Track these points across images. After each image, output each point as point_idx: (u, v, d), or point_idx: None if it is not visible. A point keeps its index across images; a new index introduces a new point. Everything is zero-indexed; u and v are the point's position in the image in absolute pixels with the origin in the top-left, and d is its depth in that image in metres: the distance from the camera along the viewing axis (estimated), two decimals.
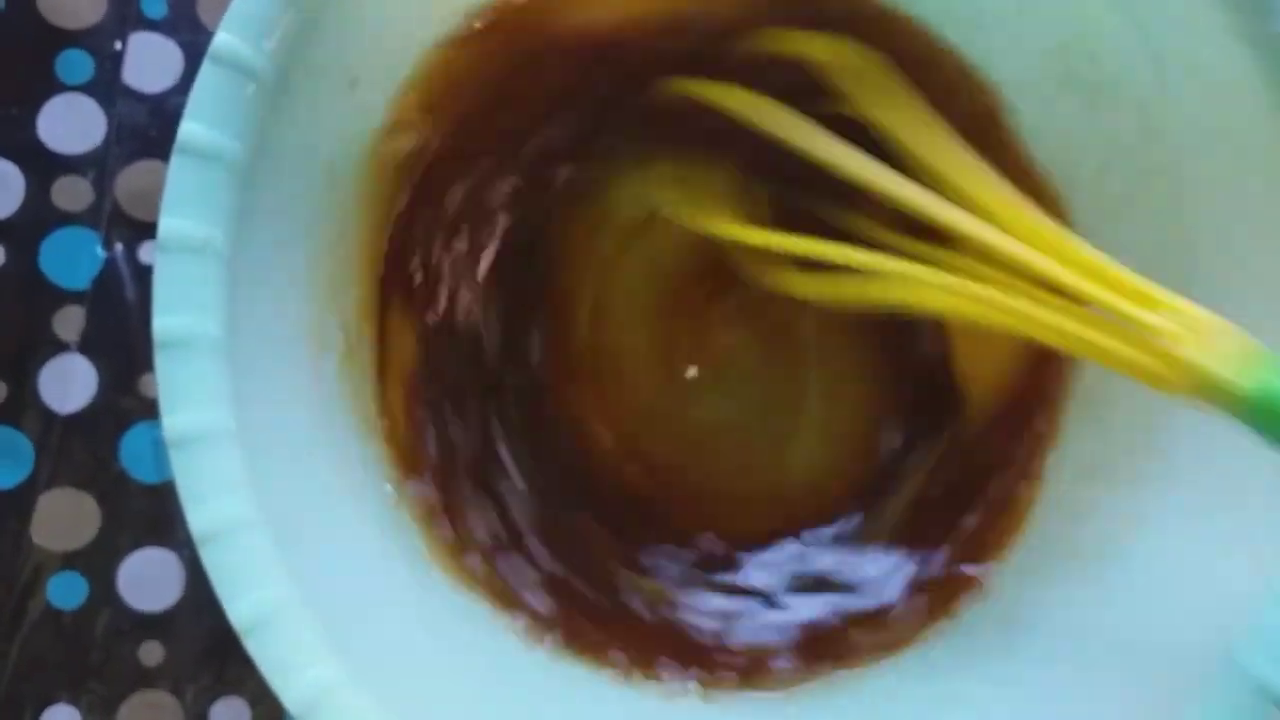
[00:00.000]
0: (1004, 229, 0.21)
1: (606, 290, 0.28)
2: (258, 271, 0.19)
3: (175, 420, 0.17)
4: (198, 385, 0.17)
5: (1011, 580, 0.24)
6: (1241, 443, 0.18)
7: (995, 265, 0.21)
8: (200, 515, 0.17)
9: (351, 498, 0.21)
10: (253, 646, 0.17)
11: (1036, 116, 0.25)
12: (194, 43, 0.28)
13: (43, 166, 0.27)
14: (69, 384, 0.26)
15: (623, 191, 0.28)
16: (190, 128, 0.18)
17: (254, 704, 0.26)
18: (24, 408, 0.26)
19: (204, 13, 0.28)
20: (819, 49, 0.24)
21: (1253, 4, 0.19)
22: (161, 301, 0.17)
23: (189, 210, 0.17)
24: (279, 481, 0.18)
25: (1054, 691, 0.20)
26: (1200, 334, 0.18)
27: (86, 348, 0.27)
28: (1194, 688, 0.18)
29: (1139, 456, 0.23)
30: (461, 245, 0.26)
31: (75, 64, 0.27)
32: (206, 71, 0.18)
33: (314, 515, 0.20)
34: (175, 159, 0.18)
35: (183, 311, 0.17)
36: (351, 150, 0.22)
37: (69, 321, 0.27)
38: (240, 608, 0.17)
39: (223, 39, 0.18)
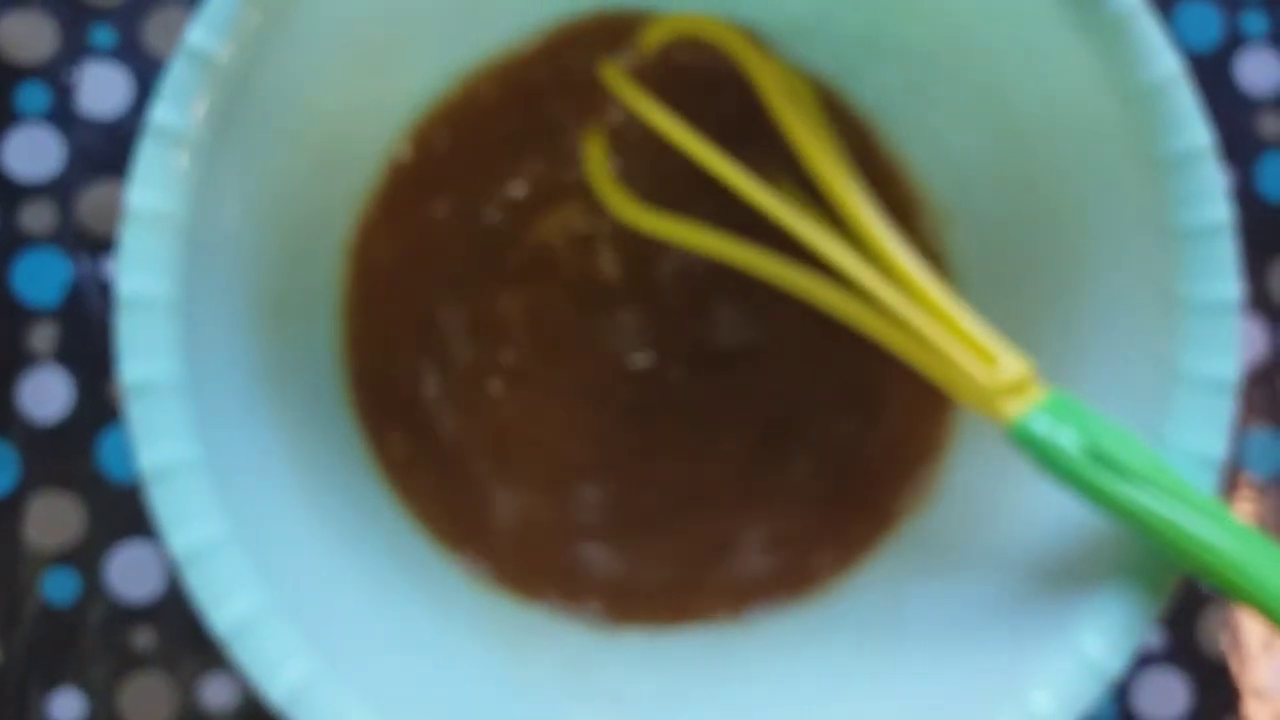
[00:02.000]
0: (869, 249, 0.24)
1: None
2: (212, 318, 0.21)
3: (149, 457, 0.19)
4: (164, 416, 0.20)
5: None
6: None
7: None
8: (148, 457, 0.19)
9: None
10: (191, 579, 0.19)
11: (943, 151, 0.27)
12: (143, 69, 0.29)
13: (8, 193, 0.29)
14: (47, 395, 0.29)
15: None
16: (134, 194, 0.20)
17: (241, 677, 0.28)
18: (7, 420, 0.29)
19: (150, 40, 0.29)
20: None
21: (1119, 54, 0.22)
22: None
23: (142, 270, 0.19)
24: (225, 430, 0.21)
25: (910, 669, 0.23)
26: (996, 364, 0.22)
27: (60, 360, 0.29)
28: (1035, 666, 0.20)
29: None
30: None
31: (30, 96, 0.29)
32: (145, 143, 0.20)
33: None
34: (124, 223, 0.19)
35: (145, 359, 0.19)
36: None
37: (42, 337, 0.29)
38: (179, 540, 0.19)
39: (157, 110, 0.20)
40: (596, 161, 0.27)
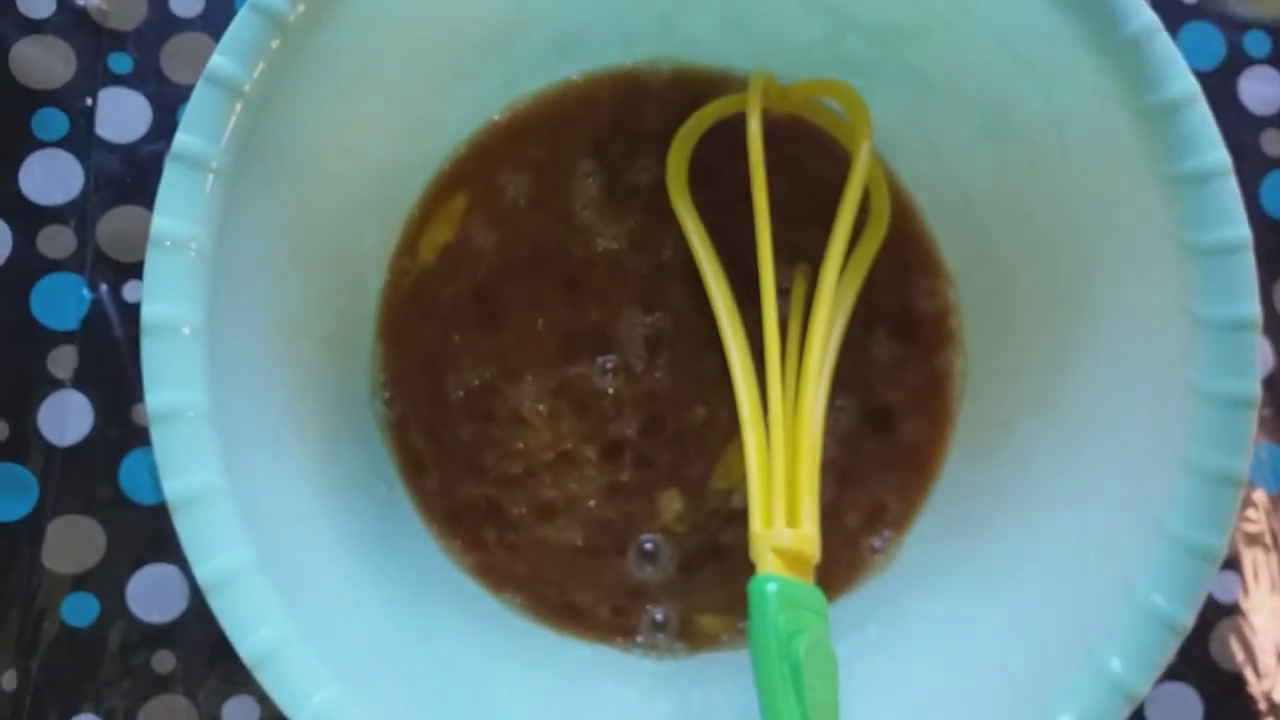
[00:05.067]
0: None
1: None
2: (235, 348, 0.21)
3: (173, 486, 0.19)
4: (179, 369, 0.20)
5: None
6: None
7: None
8: (173, 485, 0.19)
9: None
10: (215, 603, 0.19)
11: (956, 164, 0.27)
12: (160, 94, 0.30)
13: (27, 219, 0.29)
14: (66, 418, 0.29)
15: None
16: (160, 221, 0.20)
17: (262, 701, 0.28)
18: (26, 444, 0.29)
19: (167, 65, 0.30)
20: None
21: (1135, 75, 0.22)
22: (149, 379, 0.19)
23: (166, 294, 0.20)
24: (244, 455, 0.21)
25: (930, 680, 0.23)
26: (797, 528, 0.23)
27: (80, 383, 0.29)
28: (1058, 683, 0.21)
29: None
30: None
31: (51, 122, 0.29)
32: (169, 169, 0.20)
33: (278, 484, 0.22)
34: (150, 251, 0.20)
35: (169, 385, 0.19)
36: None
37: (62, 360, 0.29)
38: (205, 568, 0.19)
39: (181, 138, 0.20)
40: (677, 159, 0.28)
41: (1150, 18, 0.22)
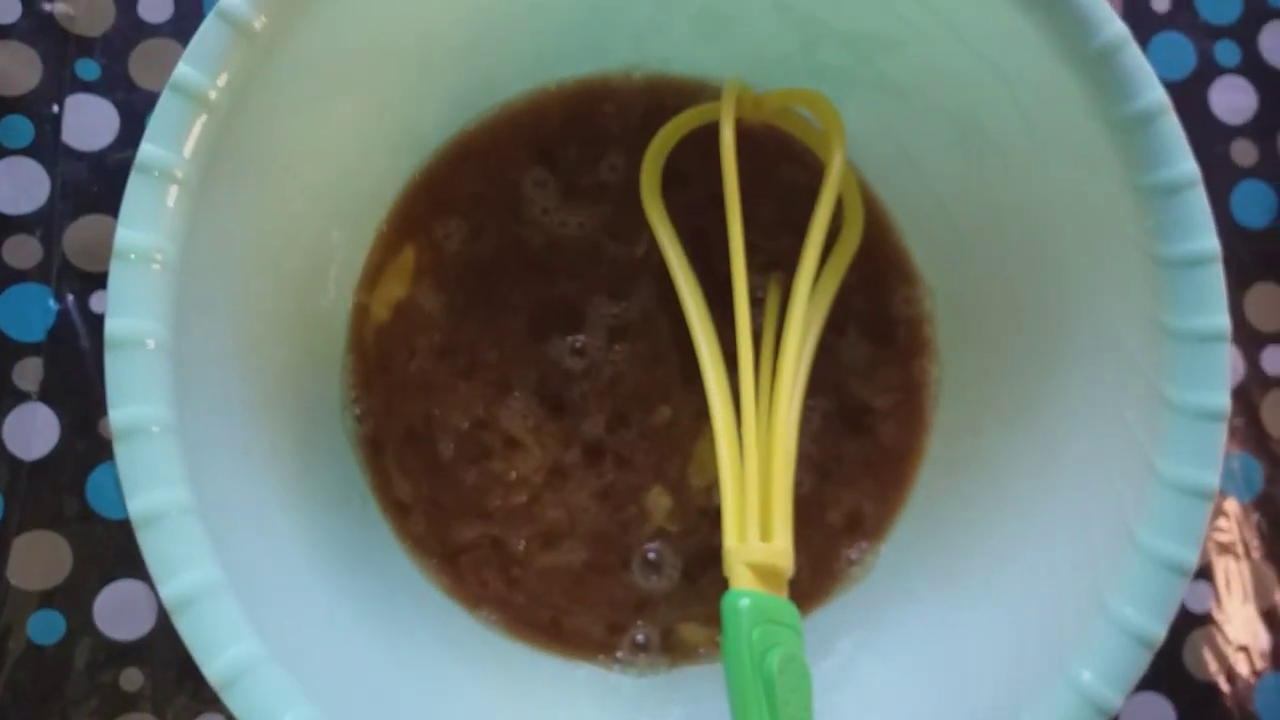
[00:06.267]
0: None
1: None
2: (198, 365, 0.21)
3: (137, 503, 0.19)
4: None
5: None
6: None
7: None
8: (137, 503, 0.19)
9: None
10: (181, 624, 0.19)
11: (930, 172, 0.27)
12: (127, 100, 0.29)
13: None
14: (32, 432, 0.28)
15: None
16: (124, 233, 0.19)
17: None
18: None
19: (135, 71, 0.29)
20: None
21: (1105, 86, 0.22)
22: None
23: (131, 307, 0.19)
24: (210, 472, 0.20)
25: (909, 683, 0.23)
26: (770, 542, 0.23)
27: (46, 396, 0.28)
28: (1031, 696, 0.21)
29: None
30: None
31: (16, 129, 0.29)
32: (134, 181, 0.19)
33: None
34: (114, 264, 0.19)
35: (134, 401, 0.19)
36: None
37: (28, 373, 0.28)
38: (170, 587, 0.19)
39: (146, 149, 0.19)
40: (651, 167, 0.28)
41: (1120, 29, 0.22)
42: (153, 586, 0.28)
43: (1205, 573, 0.31)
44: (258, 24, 0.20)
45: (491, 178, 0.28)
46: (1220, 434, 0.21)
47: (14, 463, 0.28)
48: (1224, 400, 0.21)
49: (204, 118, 0.20)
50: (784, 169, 0.29)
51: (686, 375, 0.28)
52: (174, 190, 0.20)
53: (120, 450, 0.19)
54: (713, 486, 0.28)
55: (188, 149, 0.20)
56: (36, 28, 0.29)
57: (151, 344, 0.19)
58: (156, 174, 0.20)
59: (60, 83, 0.29)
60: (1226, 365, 0.21)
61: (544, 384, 0.28)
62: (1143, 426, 0.22)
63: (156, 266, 0.19)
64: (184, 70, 0.20)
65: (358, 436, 0.27)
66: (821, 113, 0.26)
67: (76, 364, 0.29)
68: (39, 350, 0.29)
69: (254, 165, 0.22)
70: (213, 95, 0.20)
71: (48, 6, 0.29)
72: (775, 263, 0.28)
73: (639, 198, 0.27)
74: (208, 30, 0.20)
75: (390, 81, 0.25)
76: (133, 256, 0.19)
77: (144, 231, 0.19)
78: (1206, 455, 0.21)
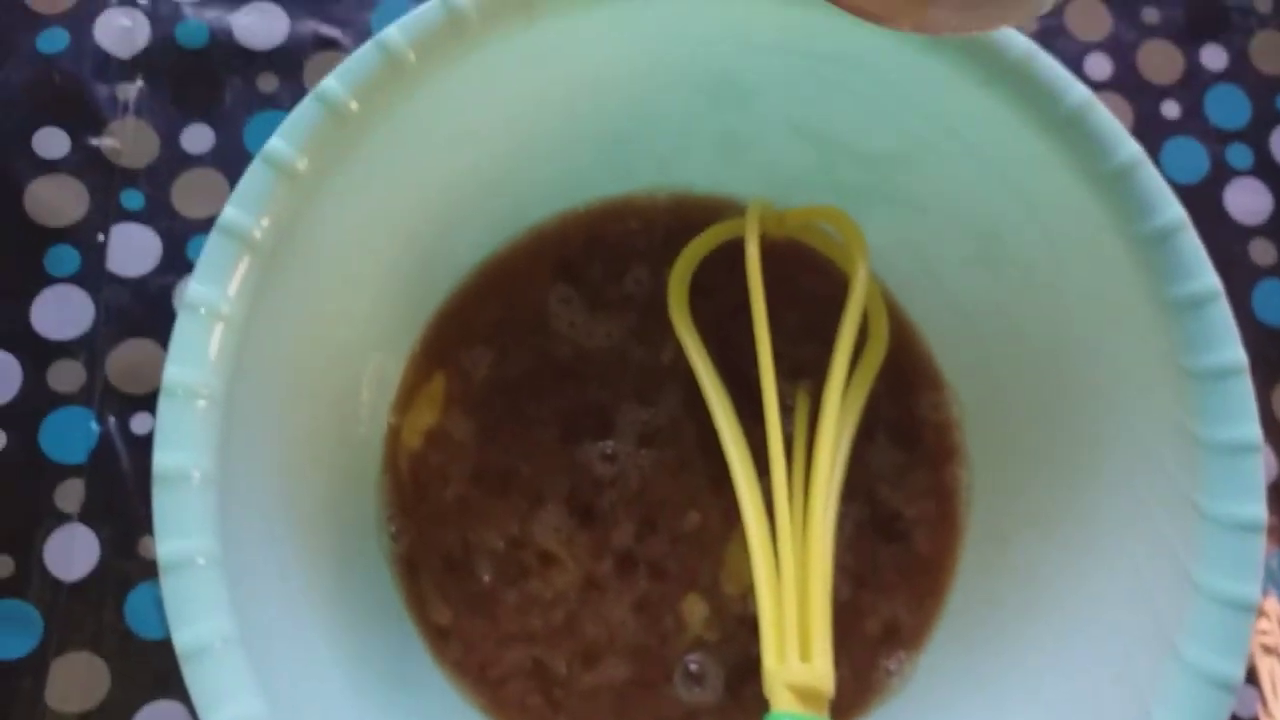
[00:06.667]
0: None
1: None
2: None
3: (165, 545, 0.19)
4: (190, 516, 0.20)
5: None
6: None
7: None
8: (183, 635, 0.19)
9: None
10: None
11: (952, 284, 0.28)
12: (170, 228, 0.30)
13: (38, 353, 0.29)
14: (73, 553, 0.29)
15: None
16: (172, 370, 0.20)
17: None
18: (30, 579, 0.28)
19: (178, 200, 0.30)
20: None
21: (1123, 204, 0.22)
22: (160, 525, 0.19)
23: (179, 442, 0.20)
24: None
25: None
26: (809, 663, 0.23)
27: (87, 517, 0.29)
28: None
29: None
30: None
31: (63, 258, 0.30)
32: (181, 318, 0.20)
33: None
34: (162, 400, 0.20)
35: (180, 534, 0.20)
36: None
37: (70, 494, 0.29)
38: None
39: (194, 289, 0.20)
40: (678, 283, 0.28)
41: (1135, 150, 0.23)
42: (191, 709, 0.28)
43: (1250, 676, 0.30)
44: (300, 165, 0.21)
45: (517, 299, 0.29)
46: (1259, 546, 0.21)
47: (54, 584, 0.28)
48: (1260, 512, 0.21)
49: (248, 258, 0.21)
50: (807, 279, 0.30)
51: (713, 479, 0.28)
52: (219, 328, 0.20)
53: (167, 583, 0.19)
54: (747, 594, 0.28)
55: (233, 288, 0.21)
56: (84, 161, 0.31)
57: (197, 476, 0.20)
58: (203, 312, 0.20)
59: (106, 213, 0.30)
60: (1261, 476, 0.21)
61: (575, 493, 0.28)
62: (1179, 537, 0.22)
63: (203, 402, 0.20)
64: (230, 213, 0.21)
65: (394, 557, 0.27)
66: (843, 228, 0.27)
67: (118, 485, 0.29)
68: (81, 472, 0.29)
69: (294, 298, 0.22)
70: (257, 235, 0.21)
71: (95, 141, 0.31)
72: (801, 370, 0.28)
73: (664, 307, 0.28)
74: (253, 173, 0.21)
75: (423, 214, 0.26)
76: (180, 393, 0.20)
77: (191, 368, 0.20)
78: (1246, 567, 0.21)
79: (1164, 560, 0.22)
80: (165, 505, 0.19)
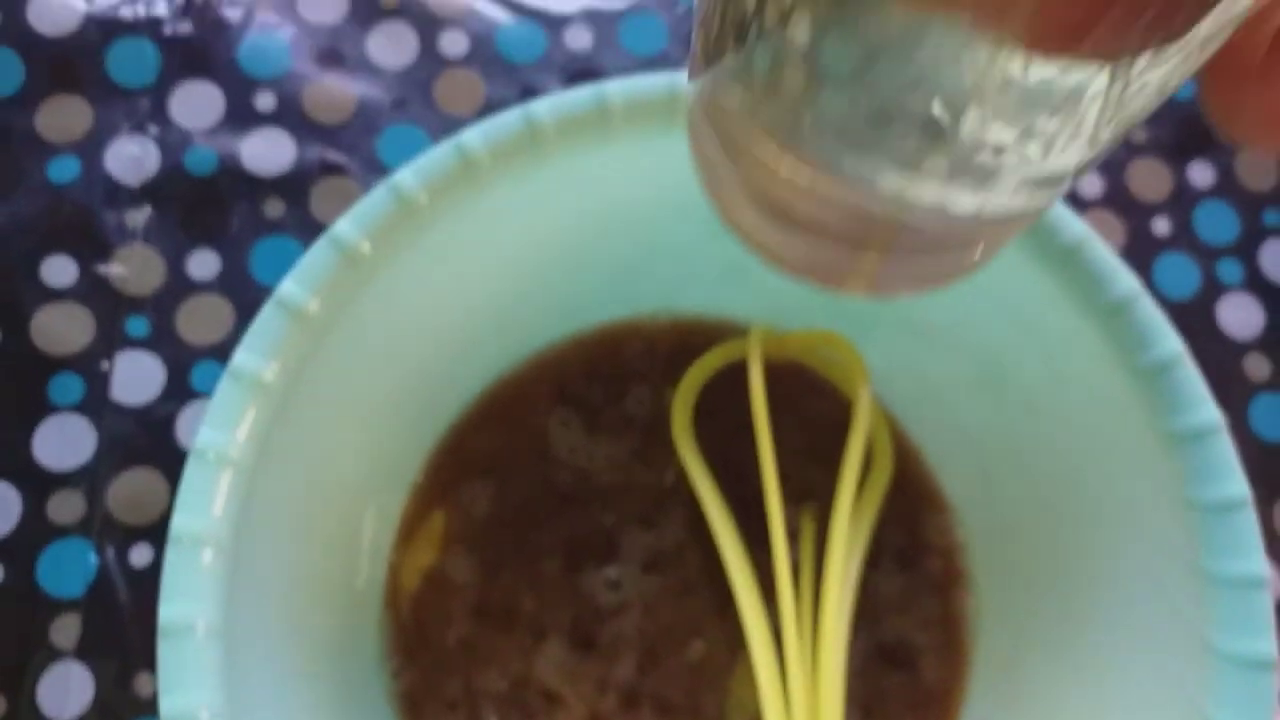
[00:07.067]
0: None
1: None
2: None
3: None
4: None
5: None
6: None
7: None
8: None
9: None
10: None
11: (954, 409, 0.28)
12: (175, 355, 0.30)
13: (38, 484, 0.29)
14: (67, 690, 0.28)
15: None
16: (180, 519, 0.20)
17: None
18: (22, 718, 0.28)
19: (182, 327, 0.30)
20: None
21: (1121, 337, 0.23)
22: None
23: (184, 594, 0.20)
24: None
25: None
26: None
27: (83, 653, 0.28)
28: None
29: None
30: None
31: (66, 386, 0.30)
32: (190, 465, 0.20)
33: None
34: (169, 550, 0.20)
35: (185, 689, 0.19)
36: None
37: (65, 629, 0.28)
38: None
39: (204, 434, 0.20)
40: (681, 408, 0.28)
41: (1132, 284, 0.23)
42: None
43: None
44: (312, 308, 0.22)
45: (516, 427, 0.29)
46: (1270, 683, 0.21)
47: None
48: (1270, 649, 0.21)
49: (258, 402, 0.21)
50: (810, 402, 0.30)
51: (718, 605, 0.28)
52: (228, 474, 0.20)
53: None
54: None
55: (242, 434, 0.21)
56: (90, 289, 0.31)
57: (202, 627, 0.19)
58: (212, 457, 0.20)
59: (111, 340, 0.30)
60: (1270, 612, 0.21)
61: (577, 623, 0.28)
62: (1190, 675, 0.22)
63: (209, 551, 0.20)
64: (242, 357, 0.21)
65: (395, 695, 0.27)
66: (843, 354, 0.27)
67: (114, 619, 0.29)
68: (77, 606, 0.29)
69: (301, 439, 0.22)
70: (268, 379, 0.21)
71: (102, 268, 0.31)
72: (806, 493, 0.28)
73: (665, 427, 0.28)
74: (266, 317, 0.21)
75: (430, 350, 0.26)
76: (187, 541, 0.20)
77: (198, 517, 0.20)
78: (1258, 706, 0.21)
79: (1177, 698, 0.22)
80: (170, 658, 0.19)
